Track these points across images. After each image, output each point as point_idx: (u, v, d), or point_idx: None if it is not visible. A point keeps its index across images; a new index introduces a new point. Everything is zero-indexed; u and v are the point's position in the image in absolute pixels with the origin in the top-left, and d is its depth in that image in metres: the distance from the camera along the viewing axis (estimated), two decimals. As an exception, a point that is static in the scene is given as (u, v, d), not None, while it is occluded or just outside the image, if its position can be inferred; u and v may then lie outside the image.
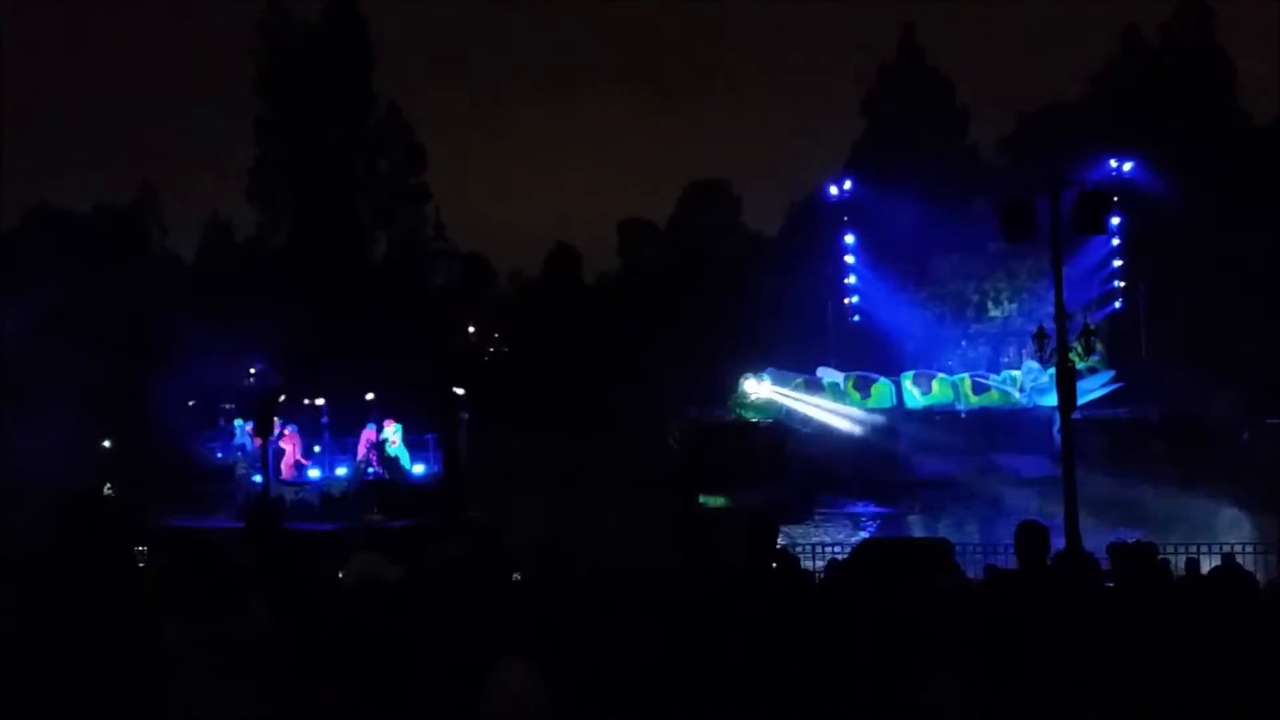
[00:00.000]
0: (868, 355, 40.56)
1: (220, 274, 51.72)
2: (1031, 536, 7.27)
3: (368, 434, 25.63)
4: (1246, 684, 6.37)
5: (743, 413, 38.51)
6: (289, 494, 25.23)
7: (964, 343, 42.63)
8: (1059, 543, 13.23)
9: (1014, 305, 41.82)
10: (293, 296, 41.09)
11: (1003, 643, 6.18)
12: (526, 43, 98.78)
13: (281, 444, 26.34)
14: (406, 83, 73.68)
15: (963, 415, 37.69)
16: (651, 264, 58.04)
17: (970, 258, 41.58)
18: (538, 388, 42.60)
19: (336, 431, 27.87)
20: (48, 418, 30.43)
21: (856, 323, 42.69)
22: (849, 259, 42.88)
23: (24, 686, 5.80)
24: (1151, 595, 7.33)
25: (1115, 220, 35.10)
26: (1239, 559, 14.98)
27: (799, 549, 18.29)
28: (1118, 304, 39.36)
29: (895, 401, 38.33)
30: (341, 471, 26.49)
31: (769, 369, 39.03)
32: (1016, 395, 38.32)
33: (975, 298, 42.91)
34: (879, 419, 37.60)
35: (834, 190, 42.63)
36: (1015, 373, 39.13)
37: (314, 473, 26.87)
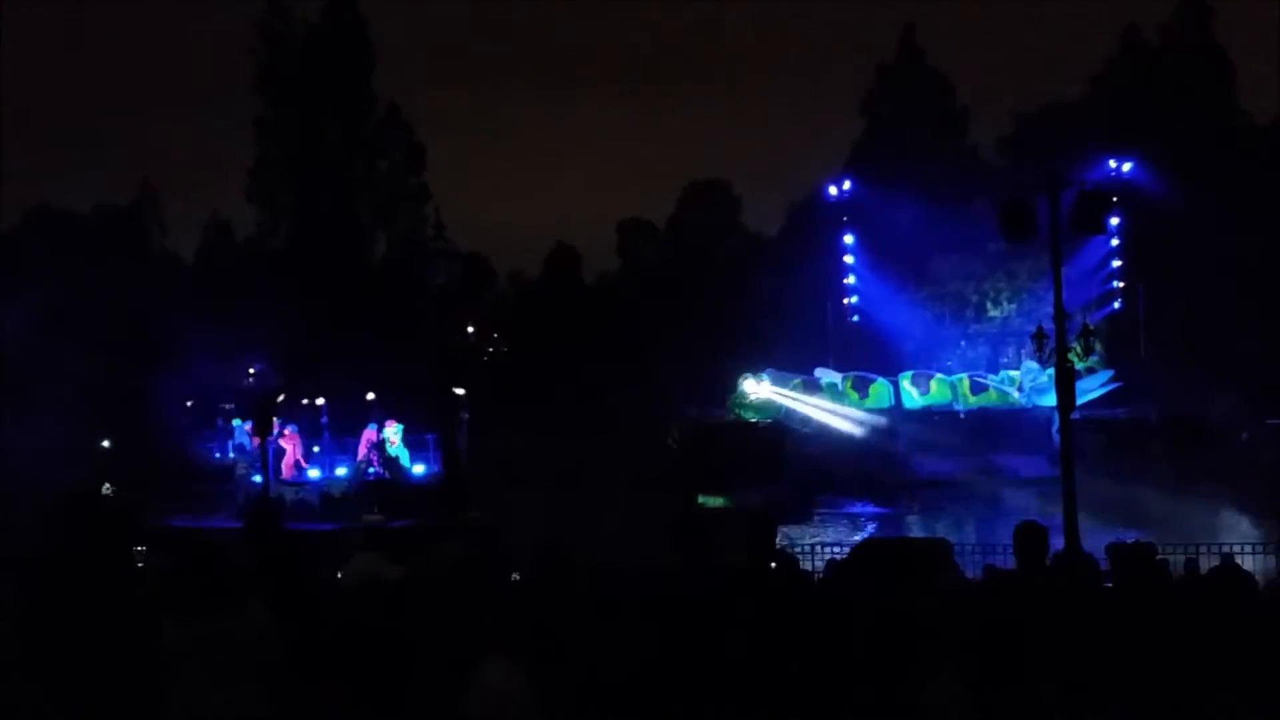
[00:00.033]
0: (867, 355, 40.59)
1: (220, 274, 51.68)
2: (1030, 537, 7.28)
3: (368, 434, 25.63)
4: (1245, 684, 6.37)
5: (742, 413, 38.53)
6: (289, 494, 25.23)
7: (963, 343, 42.66)
8: (1058, 543, 13.24)
9: (1013, 305, 41.86)
10: (292, 297, 41.08)
11: (1002, 643, 6.19)
12: (526, 42, 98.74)
13: (282, 444, 26.34)
14: (406, 83, 73.80)
15: (961, 416, 37.73)
16: (651, 264, 58.06)
17: (970, 258, 41.61)
18: (537, 388, 42.61)
19: (336, 431, 27.87)
20: (47, 417, 30.42)
21: (856, 323, 42.72)
22: (848, 259, 42.91)
23: (24, 686, 5.80)
24: (1150, 595, 7.34)
25: (1114, 220, 35.16)
26: (1238, 559, 14.99)
27: (798, 549, 18.27)
28: (1117, 304, 39.40)
29: (893, 402, 38.37)
30: (341, 471, 26.50)
31: (768, 369, 39.07)
32: (1015, 395, 38.35)
33: (975, 298, 42.94)
34: (878, 419, 37.63)
35: (833, 190, 42.66)
36: (1013, 373, 39.15)
37: (314, 473, 26.87)
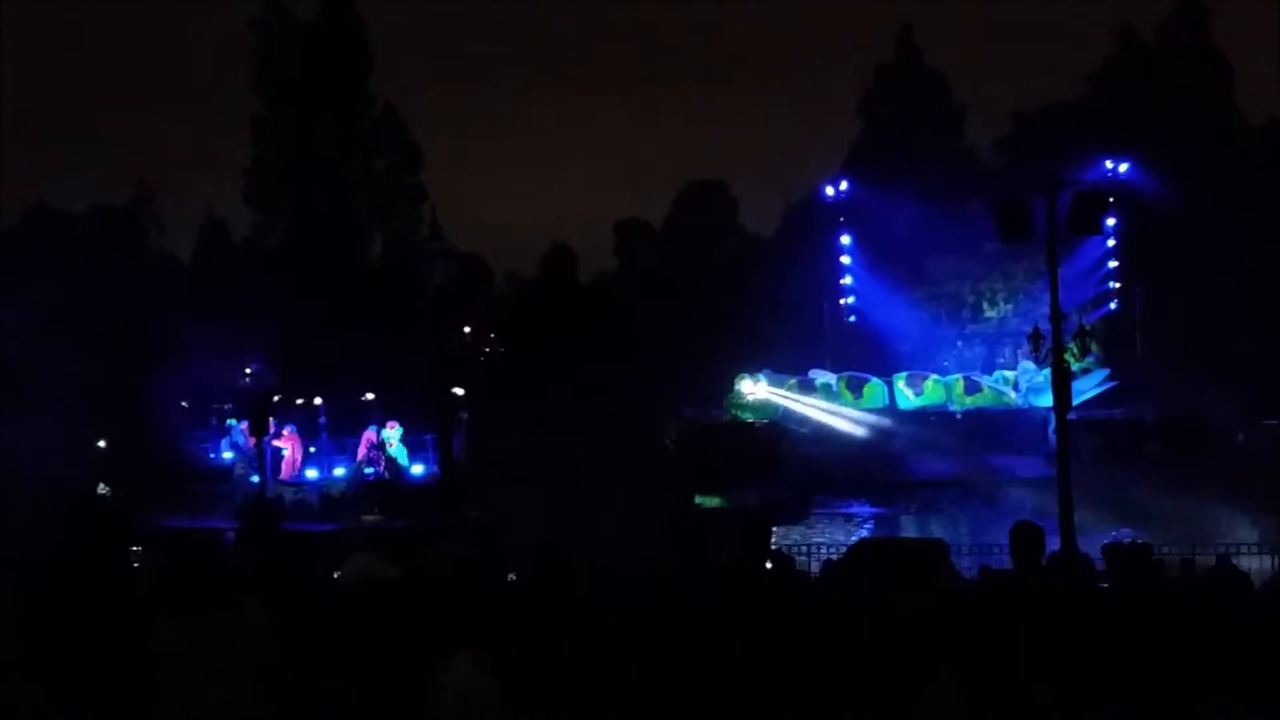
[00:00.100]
0: (864, 356, 40.62)
1: (217, 274, 51.67)
2: (1027, 537, 7.29)
3: (368, 435, 25.65)
4: (1241, 684, 6.38)
5: (739, 413, 38.55)
6: (288, 494, 25.23)
7: (960, 343, 42.69)
8: (1054, 543, 13.25)
9: (1010, 306, 41.89)
10: (289, 296, 41.09)
11: (998, 643, 6.20)
12: (523, 42, 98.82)
13: (282, 444, 26.35)
14: (403, 82, 73.54)
15: (958, 416, 37.75)
16: (648, 264, 58.08)
17: (966, 258, 41.63)
18: (534, 388, 42.63)
19: (333, 432, 27.87)
20: (45, 417, 30.40)
21: (853, 323, 42.74)
22: (845, 260, 42.93)
23: (23, 686, 5.80)
24: (1146, 596, 7.35)
25: (1111, 221, 35.16)
26: (1234, 559, 15.02)
27: (794, 549, 18.28)
28: (1113, 305, 39.43)
29: (888, 402, 38.42)
30: (339, 472, 26.49)
31: (764, 370, 39.10)
32: (1011, 395, 38.37)
33: (971, 298, 42.97)
34: (875, 419, 37.67)
35: (830, 191, 42.68)
36: (1008, 373, 39.20)
37: (311, 473, 26.86)
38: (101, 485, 26.57)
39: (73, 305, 38.02)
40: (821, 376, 39.31)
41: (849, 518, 31.26)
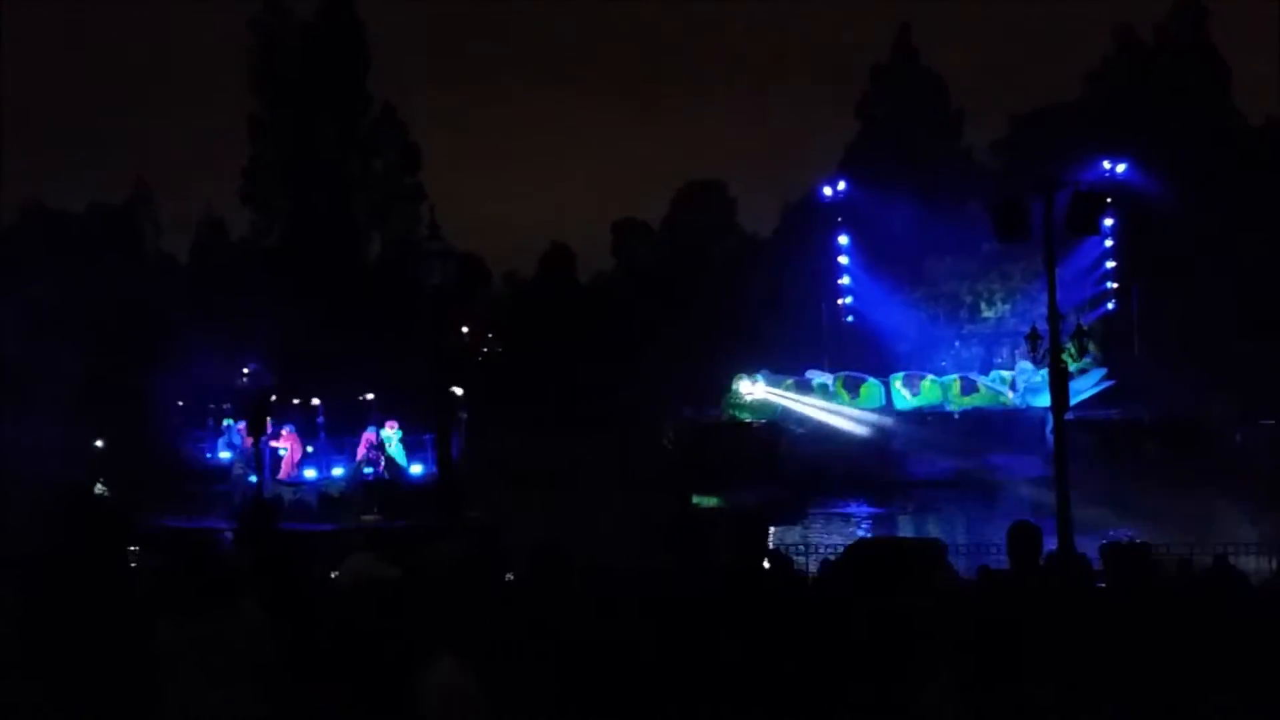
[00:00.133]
0: (861, 356, 40.68)
1: (214, 274, 51.66)
2: (1024, 537, 7.30)
3: (368, 436, 25.67)
4: (1239, 683, 6.39)
5: (737, 413, 38.58)
6: (287, 494, 25.24)
7: (957, 343, 42.73)
8: (1051, 543, 13.26)
9: (1007, 306, 41.93)
10: (287, 296, 41.06)
11: (996, 643, 6.20)
12: (521, 42, 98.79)
13: (281, 444, 26.36)
14: (402, 82, 73.55)
15: (956, 416, 37.80)
16: (646, 264, 58.09)
17: (964, 259, 41.68)
18: (532, 388, 42.62)
19: (332, 432, 27.87)
20: (42, 416, 30.38)
21: (850, 323, 42.79)
22: (843, 260, 42.97)
23: (23, 685, 5.81)
24: (1144, 595, 7.36)
25: (1109, 221, 35.20)
26: (1231, 559, 15.02)
27: (792, 549, 18.30)
28: (1111, 305, 39.48)
29: (884, 402, 38.49)
30: (338, 472, 26.50)
31: (762, 370, 39.15)
32: (1008, 395, 38.41)
33: (969, 299, 43.01)
34: (875, 418, 37.73)
35: (828, 191, 42.70)
36: (1005, 373, 39.24)
37: (310, 473, 26.87)
38: (99, 485, 26.52)
39: (71, 304, 38.02)
40: (818, 377, 39.37)
41: (846, 518, 31.29)
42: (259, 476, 22.91)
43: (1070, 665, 6.29)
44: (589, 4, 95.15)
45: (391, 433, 25.74)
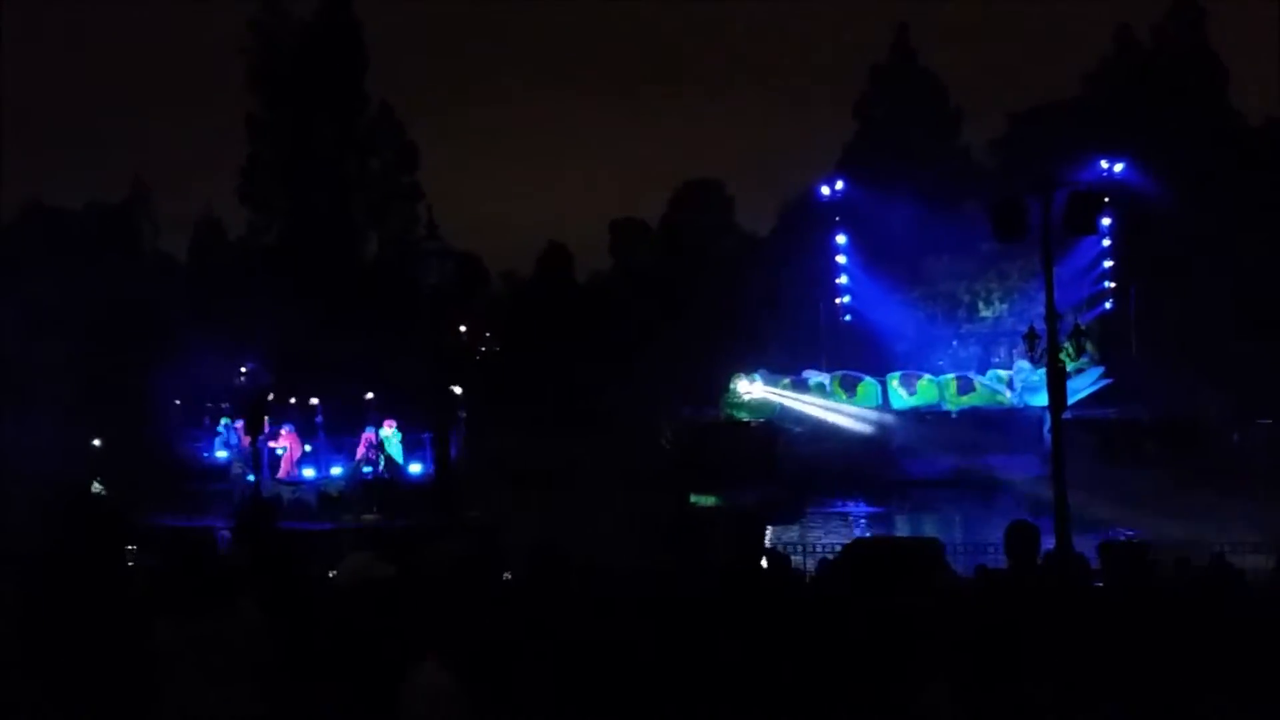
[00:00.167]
0: (859, 355, 40.72)
1: (212, 273, 51.63)
2: (1022, 536, 7.31)
3: (368, 436, 25.68)
4: (1237, 683, 6.40)
5: (735, 413, 38.61)
6: (286, 493, 25.24)
7: (955, 343, 42.78)
8: (1049, 542, 13.27)
9: (1005, 305, 41.97)
10: (285, 295, 41.05)
11: (993, 643, 6.20)
12: (519, 42, 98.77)
13: (282, 443, 26.37)
14: (400, 82, 73.65)
15: (954, 415, 37.84)
16: (644, 264, 58.04)
17: (962, 258, 41.71)
18: (530, 387, 42.60)
19: (331, 431, 27.87)
20: (40, 415, 30.37)
21: (848, 323, 42.82)
22: (841, 259, 42.99)
23: (23, 684, 5.81)
24: (1142, 594, 7.37)
25: (1106, 221, 35.23)
26: (1229, 559, 15.02)
27: (790, 548, 18.31)
28: (1108, 304, 39.52)
29: (881, 401, 38.56)
30: (336, 471, 26.50)
31: (760, 370, 39.19)
32: (1006, 394, 38.46)
33: (966, 298, 43.06)
34: (876, 415, 37.83)
35: (826, 191, 42.72)
36: (1002, 372, 39.29)
37: (309, 472, 26.87)
38: (96, 484, 26.51)
39: (69, 304, 37.98)
40: (815, 376, 39.44)
41: (844, 517, 31.31)
42: (257, 476, 22.91)
43: (1068, 665, 6.30)
44: (587, 4, 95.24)
45: (390, 432, 25.74)
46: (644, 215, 60.97)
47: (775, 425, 37.72)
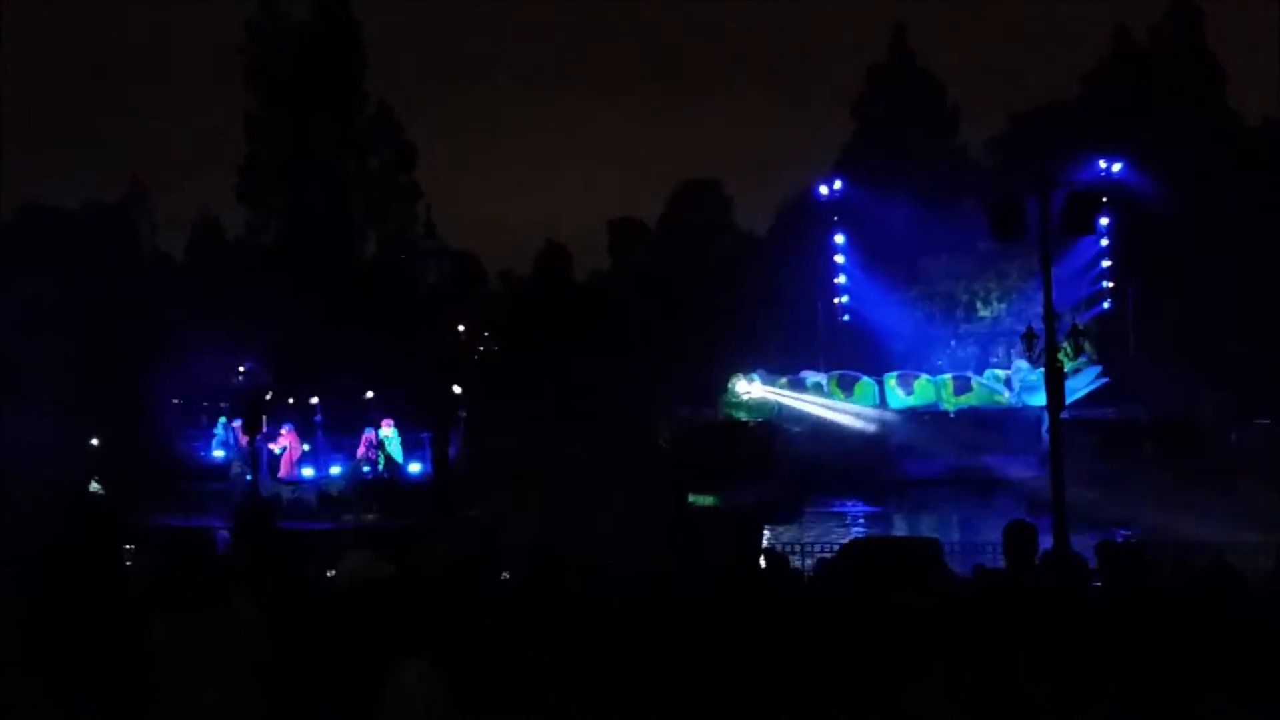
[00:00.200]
0: (857, 355, 40.75)
1: (210, 272, 51.60)
2: (1020, 536, 7.31)
3: (369, 436, 25.68)
4: (1236, 683, 6.40)
5: (733, 412, 38.62)
6: (285, 493, 25.21)
7: (953, 343, 42.81)
8: (1047, 542, 13.26)
9: (1003, 305, 42.01)
10: (283, 294, 41.01)
11: (992, 642, 6.21)
12: (517, 42, 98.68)
13: (282, 443, 26.35)
14: (399, 81, 73.68)
15: (952, 415, 37.88)
16: (642, 263, 58.04)
17: (960, 258, 41.75)
18: (528, 387, 42.57)
19: (330, 430, 27.84)
20: (37, 413, 30.33)
21: (846, 322, 42.85)
22: (839, 259, 43.03)
23: (22, 682, 5.80)
24: (1140, 595, 7.36)
25: (1104, 221, 35.26)
26: (1228, 559, 15.02)
27: (788, 548, 18.29)
28: (1106, 304, 39.57)
29: (878, 401, 38.59)
30: (335, 470, 26.48)
31: (758, 370, 39.21)
32: (1004, 394, 38.49)
33: (964, 298, 43.09)
34: (876, 413, 37.89)
35: (824, 190, 42.73)
36: (1000, 372, 39.32)
37: (308, 471, 26.85)
38: (94, 483, 26.48)
39: (66, 302, 37.93)
40: (813, 376, 39.48)
41: (842, 516, 31.31)
42: (255, 475, 22.88)
43: (1066, 664, 6.30)
44: (585, 3, 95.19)
45: (389, 432, 25.73)
46: (642, 215, 61.05)
47: (773, 425, 37.75)
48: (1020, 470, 31.46)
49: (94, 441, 33.03)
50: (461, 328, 35.07)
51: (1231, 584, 7.27)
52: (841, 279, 42.99)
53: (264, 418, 23.90)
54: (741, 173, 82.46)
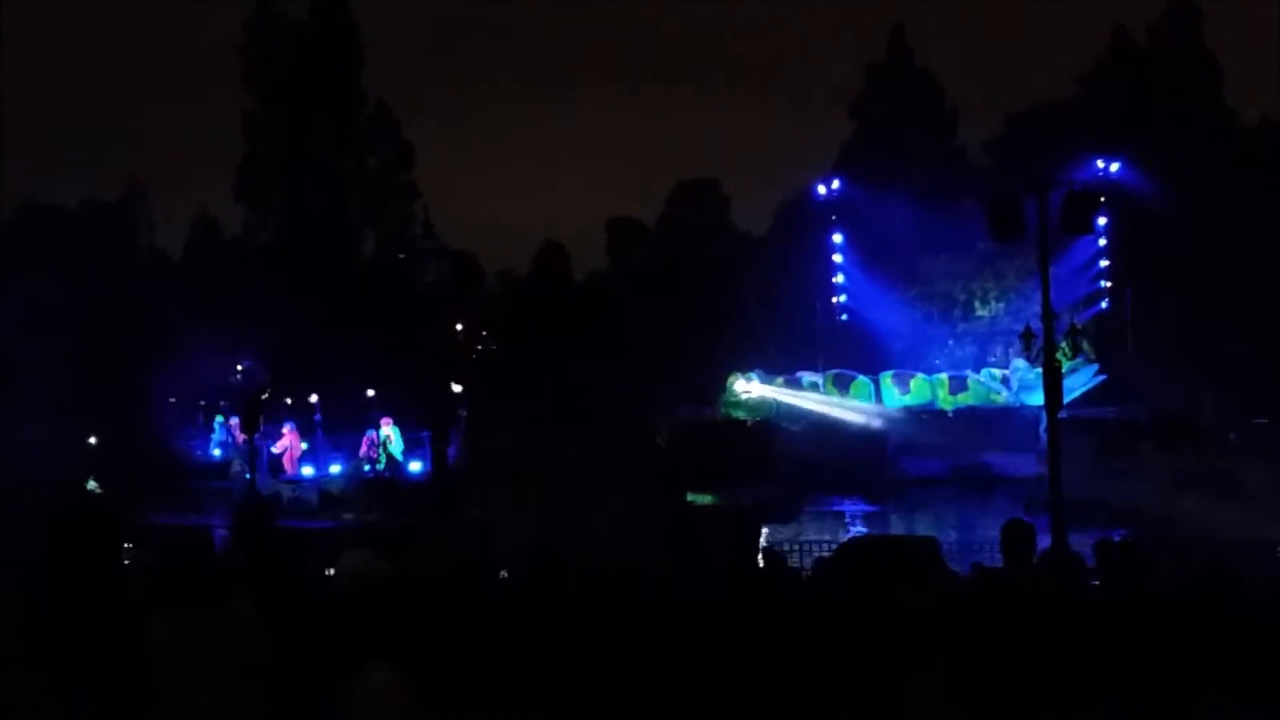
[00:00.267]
0: (856, 354, 40.76)
1: (208, 270, 51.62)
2: (1018, 535, 7.32)
3: (371, 435, 25.71)
4: (1235, 683, 6.40)
5: (732, 412, 38.63)
6: (286, 491, 25.25)
7: (951, 342, 42.82)
8: (1045, 541, 13.28)
9: (1001, 305, 42.02)
10: (282, 293, 41.03)
11: (990, 641, 6.22)
12: (515, 41, 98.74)
13: (284, 442, 26.38)
14: (398, 81, 73.70)
15: (950, 414, 37.92)
16: (641, 263, 58.05)
17: (959, 257, 41.76)
18: (527, 386, 42.57)
19: (329, 429, 27.87)
20: (35, 412, 30.33)
21: (844, 322, 42.82)
22: (837, 258, 43.00)
23: (21, 683, 5.80)
24: (1139, 594, 7.37)
25: (1102, 220, 35.27)
26: (1227, 559, 15.03)
27: (787, 547, 18.31)
28: (1104, 304, 39.58)
29: (874, 400, 38.64)
30: (335, 469, 26.51)
31: (756, 370, 39.23)
32: (1000, 392, 38.53)
33: (963, 297, 43.10)
34: (876, 409, 37.95)
35: (822, 190, 42.73)
36: (996, 371, 39.36)
37: (308, 470, 26.88)
38: (91, 482, 26.50)
39: (64, 301, 37.93)
40: (809, 377, 39.54)
41: (840, 516, 31.31)
42: (254, 474, 22.90)
43: (1065, 664, 6.30)
44: (584, 2, 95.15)
45: (389, 431, 25.76)
46: (641, 214, 61.07)
47: (772, 424, 37.77)
48: (1019, 469, 31.47)
49: (92, 440, 33.06)
50: (460, 327, 35.09)
51: (1229, 584, 7.28)
52: (840, 278, 42.97)
53: (262, 416, 23.91)
54: (740, 172, 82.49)
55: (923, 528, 26.50)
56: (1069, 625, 6.58)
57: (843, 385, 39.07)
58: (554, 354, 45.33)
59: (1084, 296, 39.31)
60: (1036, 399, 28.79)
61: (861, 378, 39.18)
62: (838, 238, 42.72)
